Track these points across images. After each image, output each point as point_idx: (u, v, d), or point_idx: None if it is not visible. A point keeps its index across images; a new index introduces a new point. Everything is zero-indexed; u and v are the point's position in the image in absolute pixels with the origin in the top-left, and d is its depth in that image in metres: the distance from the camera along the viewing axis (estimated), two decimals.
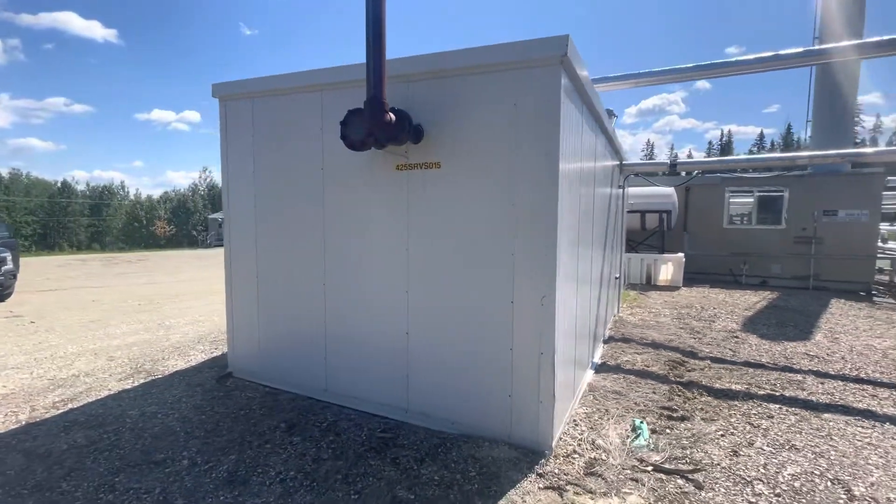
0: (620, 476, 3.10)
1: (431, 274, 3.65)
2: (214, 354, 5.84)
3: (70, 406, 4.31)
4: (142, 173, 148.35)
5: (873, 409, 4.28)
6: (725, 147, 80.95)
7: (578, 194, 3.99)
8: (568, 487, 2.96)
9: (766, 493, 2.93)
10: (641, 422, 3.79)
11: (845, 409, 4.26)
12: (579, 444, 3.47)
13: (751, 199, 12.45)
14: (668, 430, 3.77)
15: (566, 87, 3.21)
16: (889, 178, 12.88)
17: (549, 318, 3.21)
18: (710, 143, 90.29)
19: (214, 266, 19.37)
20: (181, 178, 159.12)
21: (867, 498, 2.89)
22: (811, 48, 9.16)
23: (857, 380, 5.05)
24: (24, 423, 4.00)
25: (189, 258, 24.42)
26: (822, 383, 4.93)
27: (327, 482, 3.04)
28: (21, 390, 4.67)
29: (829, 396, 4.57)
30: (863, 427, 3.90)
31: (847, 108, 12.05)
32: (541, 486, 2.98)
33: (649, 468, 3.19)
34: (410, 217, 3.70)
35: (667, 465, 3.21)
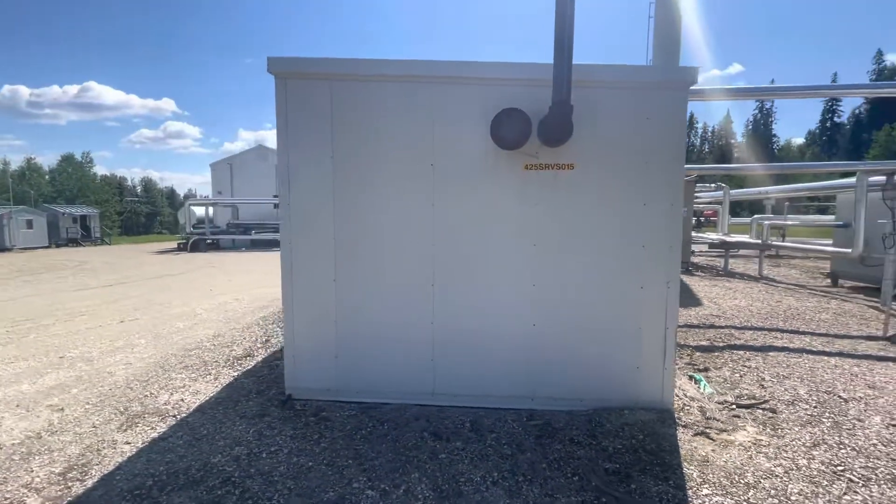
0: (724, 415, 3.97)
1: (561, 266, 3.93)
2: (224, 381, 4.84)
3: (98, 473, 3.21)
4: None
5: (787, 345, 6.18)
6: None
7: None
8: (708, 431, 3.68)
9: (808, 407, 4.16)
10: (700, 377, 4.78)
11: (775, 348, 6.05)
12: (680, 400, 4.25)
13: None
14: (708, 380, 4.85)
15: None
16: (698, 184, 17.54)
17: (675, 298, 3.88)
18: None
19: (47, 279, 14.53)
20: None
21: (853, 398, 4.36)
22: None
23: (755, 328, 7.11)
24: None
25: None
26: (742, 333, 6.81)
27: (537, 473, 3.12)
28: None
29: (756, 341, 6.38)
30: (796, 357, 5.65)
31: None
32: (691, 434, 3.64)
33: (734, 407, 4.15)
34: (539, 214, 3.90)
35: (744, 402, 4.22)
